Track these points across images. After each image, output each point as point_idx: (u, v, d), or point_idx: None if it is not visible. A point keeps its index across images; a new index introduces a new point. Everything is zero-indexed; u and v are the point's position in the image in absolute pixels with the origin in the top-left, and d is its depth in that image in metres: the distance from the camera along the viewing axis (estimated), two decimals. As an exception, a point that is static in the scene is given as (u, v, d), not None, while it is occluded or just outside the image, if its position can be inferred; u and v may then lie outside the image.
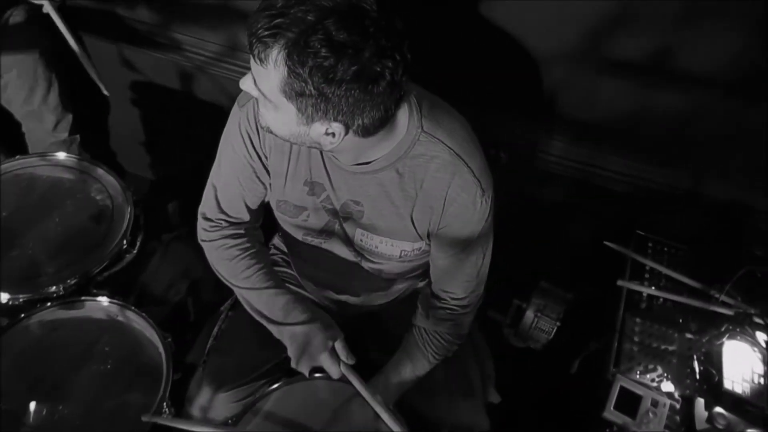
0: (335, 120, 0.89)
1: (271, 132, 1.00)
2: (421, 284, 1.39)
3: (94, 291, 1.43)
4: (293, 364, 1.18)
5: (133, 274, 1.58)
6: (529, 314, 1.74)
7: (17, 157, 1.65)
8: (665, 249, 1.51)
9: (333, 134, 0.92)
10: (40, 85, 1.87)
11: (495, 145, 1.56)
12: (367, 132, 0.93)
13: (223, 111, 1.94)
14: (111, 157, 2.38)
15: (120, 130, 2.36)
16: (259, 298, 1.23)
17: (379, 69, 0.84)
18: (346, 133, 0.92)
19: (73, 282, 1.41)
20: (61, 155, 1.68)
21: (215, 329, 1.41)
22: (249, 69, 1.72)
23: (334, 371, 1.17)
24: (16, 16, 1.76)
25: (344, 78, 0.83)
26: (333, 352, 1.17)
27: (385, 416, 1.16)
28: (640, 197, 1.57)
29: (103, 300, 1.40)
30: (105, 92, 1.88)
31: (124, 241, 1.49)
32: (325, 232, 1.22)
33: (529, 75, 1.48)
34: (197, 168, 2.03)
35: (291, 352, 1.18)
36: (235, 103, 1.14)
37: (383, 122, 0.93)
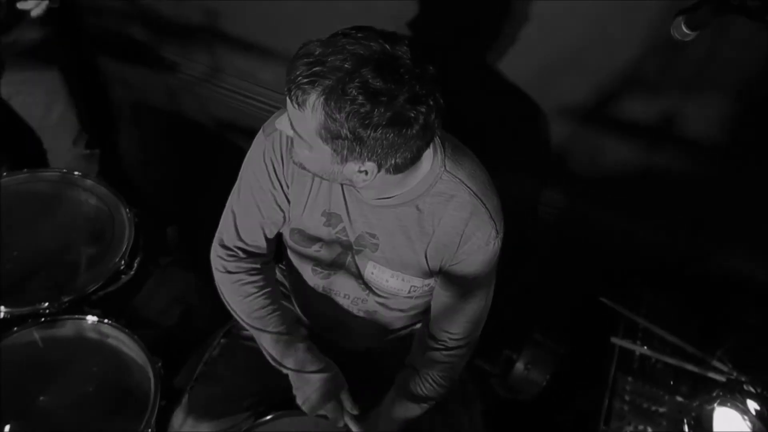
0: (369, 160, 0.93)
1: (304, 168, 1.04)
2: (417, 326, 1.40)
3: (87, 309, 1.41)
4: (300, 404, 1.23)
5: (128, 295, 1.56)
6: (520, 365, 1.73)
7: (24, 170, 1.65)
8: (659, 309, 1.52)
9: (366, 172, 0.96)
10: (59, 102, 1.89)
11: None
12: (398, 170, 0.97)
13: (229, 141, 2.00)
14: (116, 176, 2.39)
15: (123, 151, 2.38)
16: (270, 341, 1.25)
17: (413, 114, 0.87)
18: (379, 171, 0.96)
19: (67, 300, 1.39)
20: (65, 171, 1.69)
21: (206, 355, 1.40)
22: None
23: (337, 420, 1.22)
24: (31, 32, 1.76)
25: (380, 123, 0.86)
26: (338, 402, 1.23)
27: None
28: (637, 255, 1.60)
29: (95, 320, 1.38)
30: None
31: (122, 262, 1.48)
32: (335, 265, 1.23)
33: (534, 128, 1.52)
34: (198, 193, 2.05)
35: (298, 396, 1.23)
36: (260, 130, 1.17)
37: (414, 161, 0.97)
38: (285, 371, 1.25)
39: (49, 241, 1.53)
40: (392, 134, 0.88)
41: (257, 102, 1.83)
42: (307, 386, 1.22)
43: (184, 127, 2.07)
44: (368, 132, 0.87)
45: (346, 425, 1.24)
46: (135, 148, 2.34)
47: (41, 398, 1.30)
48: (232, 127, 1.95)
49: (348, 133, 0.88)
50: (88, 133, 2.00)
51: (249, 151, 1.19)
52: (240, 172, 1.22)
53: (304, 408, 1.22)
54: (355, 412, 1.22)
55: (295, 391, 1.24)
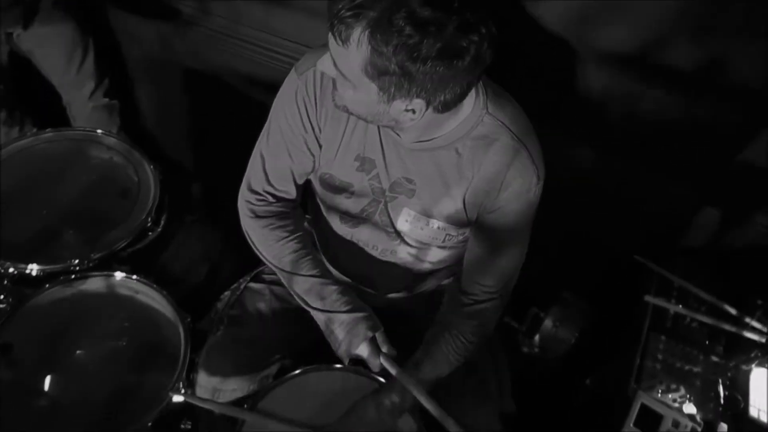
0: (417, 96, 0.89)
1: (348, 111, 1.00)
2: (445, 281, 1.37)
3: (116, 266, 1.43)
4: (335, 350, 1.19)
5: (155, 252, 1.57)
6: (548, 323, 1.71)
7: (47, 129, 1.65)
8: (695, 269, 1.47)
9: (413, 111, 0.92)
10: (78, 53, 1.91)
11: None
12: (446, 107, 0.93)
13: (248, 95, 1.96)
14: (138, 134, 2.39)
15: (144, 108, 2.36)
16: (303, 285, 1.21)
17: (464, 44, 0.83)
18: (427, 109, 0.91)
19: (96, 256, 1.40)
20: (89, 129, 1.68)
21: (233, 298, 1.40)
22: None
23: (373, 362, 1.17)
24: None
25: (429, 55, 0.82)
26: (374, 343, 1.17)
27: (431, 407, 1.12)
28: (673, 214, 1.54)
29: (124, 276, 1.40)
30: None
31: (149, 219, 1.48)
32: (365, 213, 1.20)
33: (569, 78, 1.44)
34: (220, 149, 2.04)
35: (332, 340, 1.18)
36: (293, 70, 1.12)
37: (462, 97, 0.93)
38: (317, 314, 1.20)
39: (77, 199, 1.54)
40: (442, 67, 0.83)
41: (276, 54, 1.78)
42: (341, 328, 1.17)
43: (204, 82, 2.04)
44: (417, 65, 0.83)
45: (379, 369, 1.19)
46: (155, 105, 2.33)
47: (78, 352, 1.33)
48: (251, 81, 1.91)
49: (396, 68, 0.84)
50: (109, 81, 2.02)
51: (279, 92, 1.15)
52: (270, 114, 1.18)
53: (339, 351, 1.18)
54: (393, 353, 1.17)
55: (328, 337, 1.19)
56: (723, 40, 1.22)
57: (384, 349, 1.17)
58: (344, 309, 1.17)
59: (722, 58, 1.24)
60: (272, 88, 1.18)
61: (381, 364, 1.16)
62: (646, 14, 1.23)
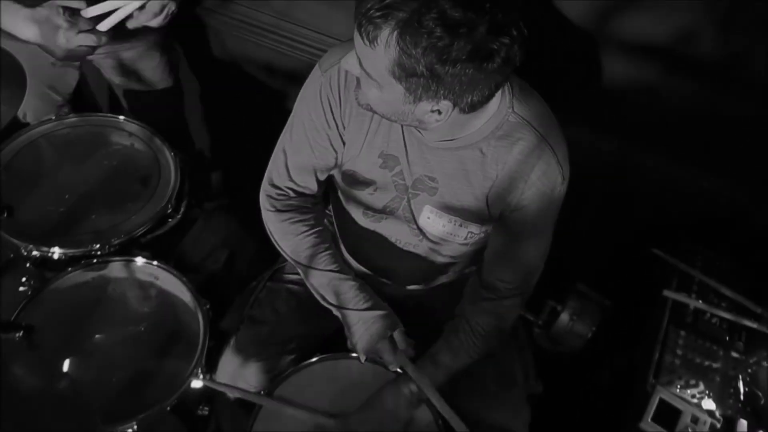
0: (444, 98, 0.88)
1: (371, 110, 1.00)
2: (465, 271, 1.37)
3: (136, 252, 1.44)
4: (352, 347, 1.20)
5: (175, 239, 1.59)
6: (564, 317, 1.69)
7: (70, 115, 1.66)
8: (715, 263, 1.45)
9: (438, 112, 0.91)
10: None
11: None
12: (473, 108, 0.92)
13: (272, 87, 1.96)
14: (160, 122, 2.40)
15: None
16: (321, 280, 1.22)
17: (495, 47, 0.82)
18: (453, 110, 0.91)
19: (117, 241, 1.42)
20: (110, 116, 1.69)
21: (252, 298, 1.41)
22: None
23: (390, 360, 1.18)
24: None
25: (459, 57, 0.81)
26: (392, 342, 1.18)
27: (445, 411, 1.13)
28: (694, 207, 1.52)
29: (144, 261, 1.41)
30: None
31: (169, 205, 1.49)
32: (388, 209, 1.20)
33: (588, 68, 1.43)
34: (241, 138, 2.04)
35: (349, 338, 1.19)
36: (316, 67, 1.11)
37: (490, 98, 0.92)
38: (335, 311, 1.22)
39: (98, 184, 1.55)
40: (472, 69, 0.82)
41: (297, 43, 1.78)
42: (359, 325, 1.18)
43: (224, 70, 2.04)
44: (446, 68, 0.82)
45: (397, 368, 1.20)
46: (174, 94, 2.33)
47: (96, 336, 1.34)
48: (271, 70, 1.91)
49: (424, 70, 0.83)
50: None
51: (303, 89, 1.15)
52: (293, 111, 1.18)
53: (356, 348, 1.19)
54: (411, 352, 1.19)
55: (346, 332, 1.21)
56: (748, 33, 1.20)
57: (402, 348, 1.18)
58: (363, 306, 1.18)
59: (748, 51, 1.22)
60: (292, 77, 1.19)
61: (397, 362, 1.17)
62: (670, 7, 1.21)
